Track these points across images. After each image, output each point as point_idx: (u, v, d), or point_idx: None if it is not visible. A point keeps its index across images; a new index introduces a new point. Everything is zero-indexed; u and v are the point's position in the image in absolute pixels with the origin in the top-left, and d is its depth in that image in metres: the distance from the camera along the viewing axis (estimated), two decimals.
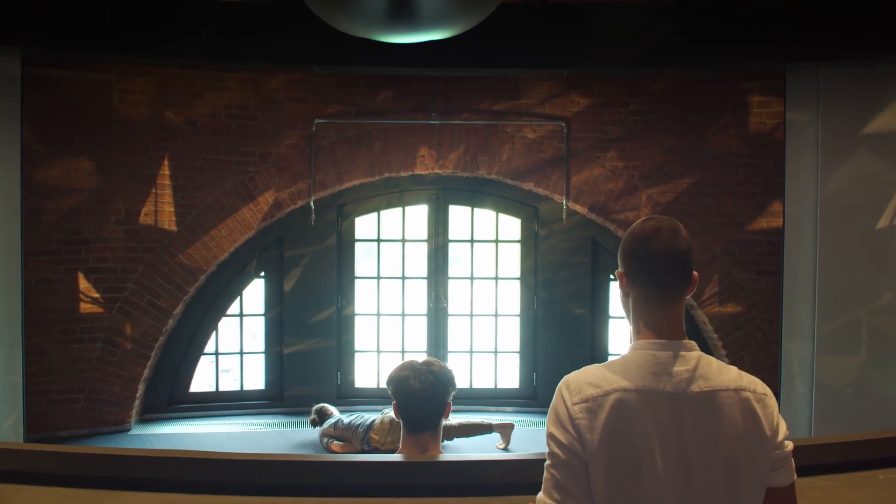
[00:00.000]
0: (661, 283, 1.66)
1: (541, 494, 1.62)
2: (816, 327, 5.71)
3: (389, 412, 5.86)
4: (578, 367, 1.69)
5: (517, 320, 7.56)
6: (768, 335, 6.71)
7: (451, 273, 7.55)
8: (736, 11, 5.56)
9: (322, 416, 6.39)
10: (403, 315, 7.55)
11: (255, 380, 7.46)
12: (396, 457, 2.58)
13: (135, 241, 6.69)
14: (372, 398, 7.35)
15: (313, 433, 6.52)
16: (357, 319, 7.54)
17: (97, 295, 6.59)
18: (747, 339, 6.79)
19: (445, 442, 6.17)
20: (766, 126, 6.75)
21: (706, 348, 6.87)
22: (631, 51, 5.76)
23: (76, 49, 5.68)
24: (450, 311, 7.54)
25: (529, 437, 6.49)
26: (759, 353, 6.76)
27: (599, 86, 6.97)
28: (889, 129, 5.60)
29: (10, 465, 2.52)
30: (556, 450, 1.59)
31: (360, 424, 6.03)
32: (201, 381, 7.32)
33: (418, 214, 7.54)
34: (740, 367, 1.70)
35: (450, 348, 7.57)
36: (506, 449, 6.16)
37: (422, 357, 2.77)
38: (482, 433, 6.21)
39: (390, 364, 6.90)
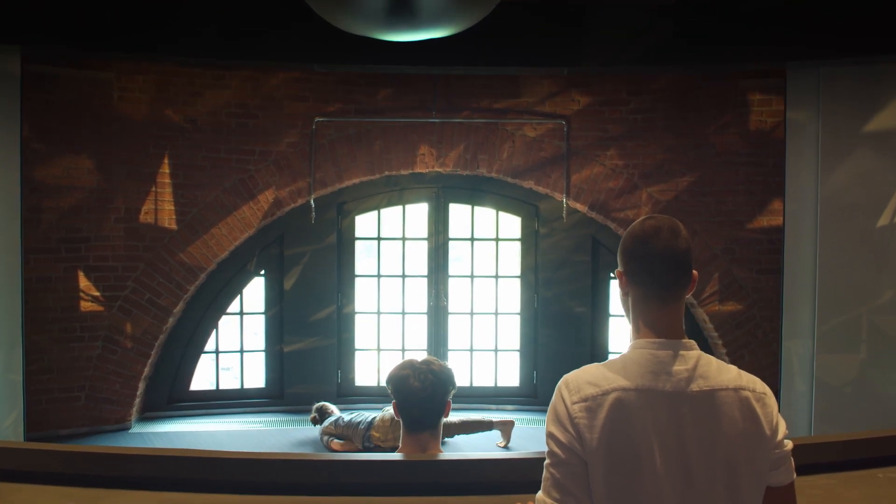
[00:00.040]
0: (660, 282, 1.66)
1: (540, 493, 1.62)
2: (816, 326, 5.71)
3: (390, 409, 5.87)
4: (579, 366, 1.69)
5: (517, 318, 7.56)
6: (768, 333, 6.72)
7: (451, 271, 7.55)
8: (736, 10, 5.55)
9: (322, 414, 6.40)
10: (404, 313, 7.56)
11: (256, 378, 7.46)
12: (396, 456, 2.58)
13: (135, 240, 6.70)
14: (372, 396, 7.36)
15: (314, 431, 6.52)
16: (357, 318, 7.54)
17: (97, 293, 6.60)
18: (747, 337, 6.80)
19: (446, 439, 6.18)
20: (767, 124, 6.75)
21: (706, 347, 6.88)
22: (631, 49, 5.76)
23: (76, 48, 5.68)
24: (450, 310, 7.55)
25: (530, 435, 6.49)
26: (760, 352, 6.76)
27: (599, 84, 6.97)
28: (889, 128, 5.60)
29: (10, 464, 2.52)
30: (556, 449, 1.60)
31: (360, 422, 6.04)
32: (202, 379, 7.33)
33: (418, 212, 7.54)
34: (740, 366, 1.70)
35: (450, 346, 7.57)
36: (506, 446, 6.17)
37: (421, 356, 2.76)
38: (483, 430, 6.21)
39: (391, 362, 6.91)
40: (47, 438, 6.11)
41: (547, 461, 1.61)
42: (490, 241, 7.54)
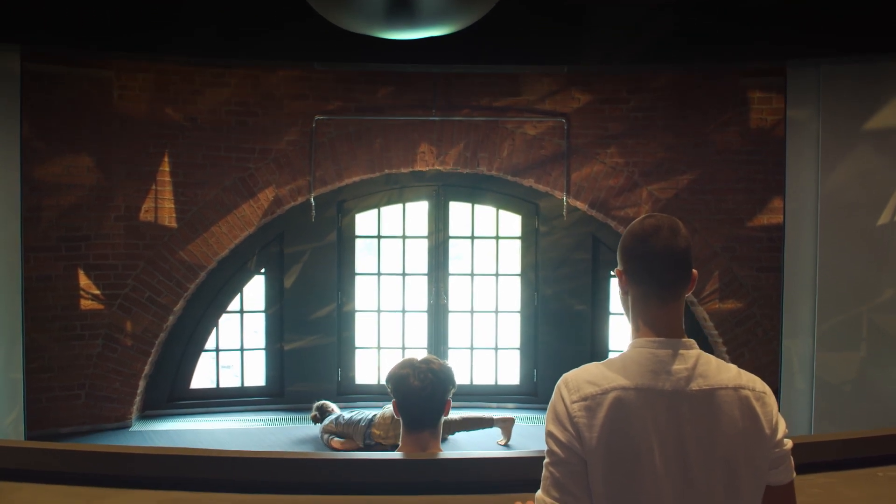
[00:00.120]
0: (660, 281, 1.66)
1: (539, 492, 1.62)
2: (817, 324, 5.71)
3: (391, 406, 5.87)
4: (579, 364, 1.69)
5: (517, 317, 7.56)
6: (768, 332, 6.72)
7: (451, 269, 7.55)
8: (736, 8, 5.54)
9: (323, 412, 6.41)
10: (404, 311, 7.56)
11: (256, 376, 7.47)
12: (396, 454, 2.58)
13: (135, 238, 6.70)
14: (372, 395, 7.36)
15: (314, 430, 6.53)
16: (357, 316, 7.54)
17: (97, 291, 6.60)
18: (747, 335, 6.80)
19: (447, 437, 6.19)
20: (767, 123, 6.75)
21: (706, 345, 6.88)
22: (631, 47, 5.76)
23: (76, 47, 5.67)
24: (450, 308, 7.55)
25: (530, 434, 6.49)
26: (760, 350, 6.76)
27: (600, 82, 6.96)
28: (890, 126, 5.60)
29: (11, 463, 2.52)
30: (555, 448, 1.60)
31: (360, 420, 6.04)
32: (202, 377, 7.33)
33: (418, 211, 7.54)
34: (740, 364, 1.70)
35: (450, 345, 7.57)
36: (506, 444, 6.17)
37: (421, 354, 2.76)
38: (483, 427, 6.22)
39: (391, 360, 6.91)
40: (48, 437, 6.12)
41: (546, 460, 1.62)
42: (490, 239, 7.54)
